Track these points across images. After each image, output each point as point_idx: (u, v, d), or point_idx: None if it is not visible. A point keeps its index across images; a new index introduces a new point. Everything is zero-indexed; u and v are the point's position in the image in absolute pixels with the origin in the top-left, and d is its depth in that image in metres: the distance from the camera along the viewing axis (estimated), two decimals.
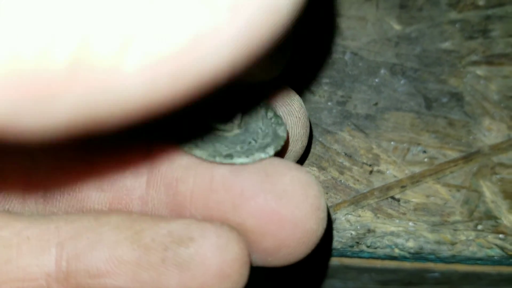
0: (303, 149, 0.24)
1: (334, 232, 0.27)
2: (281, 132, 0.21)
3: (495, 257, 0.28)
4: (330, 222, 0.26)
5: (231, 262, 0.18)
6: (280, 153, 0.22)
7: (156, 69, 0.11)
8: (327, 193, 0.28)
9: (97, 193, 0.20)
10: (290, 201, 0.19)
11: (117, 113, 0.12)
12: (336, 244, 0.27)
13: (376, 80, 0.30)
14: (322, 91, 0.30)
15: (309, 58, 0.30)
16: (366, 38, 0.31)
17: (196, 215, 0.20)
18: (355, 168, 0.28)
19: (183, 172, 0.20)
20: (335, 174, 0.28)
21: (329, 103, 0.29)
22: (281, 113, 0.23)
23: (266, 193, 0.19)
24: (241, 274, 0.19)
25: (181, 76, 0.12)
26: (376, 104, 0.30)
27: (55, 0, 0.11)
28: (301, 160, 0.27)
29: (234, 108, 0.21)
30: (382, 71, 0.30)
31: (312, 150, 0.28)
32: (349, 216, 0.27)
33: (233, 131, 0.21)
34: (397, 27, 0.31)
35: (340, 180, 0.28)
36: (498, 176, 0.28)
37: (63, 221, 0.19)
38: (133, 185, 0.20)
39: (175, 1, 0.11)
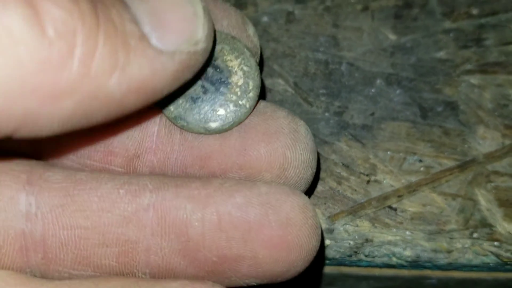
0: (313, 175, 0.24)
1: (332, 242, 0.28)
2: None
3: (491, 264, 0.28)
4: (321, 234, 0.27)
5: None
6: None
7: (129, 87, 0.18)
8: (325, 203, 0.28)
9: (102, 248, 0.21)
10: (294, 227, 0.21)
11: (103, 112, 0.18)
12: (335, 254, 0.28)
13: (372, 90, 0.30)
14: (319, 102, 0.30)
15: (305, 69, 0.31)
16: (362, 49, 0.31)
17: (211, 257, 0.21)
18: (352, 178, 0.29)
19: (190, 216, 0.21)
20: (333, 184, 0.28)
21: (326, 114, 0.30)
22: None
23: (272, 224, 0.20)
24: None
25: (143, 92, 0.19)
26: (372, 114, 0.30)
27: None
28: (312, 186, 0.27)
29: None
30: (378, 81, 0.31)
31: None
32: (347, 226, 0.28)
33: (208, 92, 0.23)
34: (392, 37, 0.32)
35: (338, 191, 0.28)
36: (492, 184, 0.29)
37: (67, 286, 0.20)
38: (138, 236, 0.21)
39: None
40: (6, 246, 0.21)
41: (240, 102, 0.23)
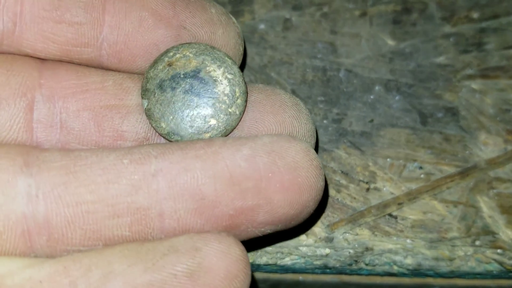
0: (314, 146, 0.25)
1: (332, 251, 0.27)
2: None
3: (494, 272, 0.28)
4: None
5: (236, 263, 0.20)
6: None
7: None
8: (324, 212, 0.28)
9: (112, 220, 0.20)
10: (302, 169, 0.22)
11: None
12: (335, 262, 0.27)
13: (371, 96, 0.30)
14: (318, 109, 0.30)
15: (304, 76, 0.31)
16: (360, 55, 0.31)
17: (228, 211, 0.21)
18: (352, 186, 0.28)
19: (201, 174, 0.21)
20: (332, 192, 0.28)
21: (325, 121, 0.30)
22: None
23: (281, 169, 0.21)
24: (246, 273, 0.20)
25: None
26: (371, 121, 0.30)
27: None
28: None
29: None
30: (377, 87, 0.30)
31: None
32: (347, 234, 0.27)
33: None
34: (391, 42, 0.31)
35: (337, 199, 0.28)
36: (495, 191, 0.28)
37: (70, 260, 0.20)
38: (150, 202, 0.21)
39: None
40: (7, 232, 0.20)
41: (230, 110, 0.23)
